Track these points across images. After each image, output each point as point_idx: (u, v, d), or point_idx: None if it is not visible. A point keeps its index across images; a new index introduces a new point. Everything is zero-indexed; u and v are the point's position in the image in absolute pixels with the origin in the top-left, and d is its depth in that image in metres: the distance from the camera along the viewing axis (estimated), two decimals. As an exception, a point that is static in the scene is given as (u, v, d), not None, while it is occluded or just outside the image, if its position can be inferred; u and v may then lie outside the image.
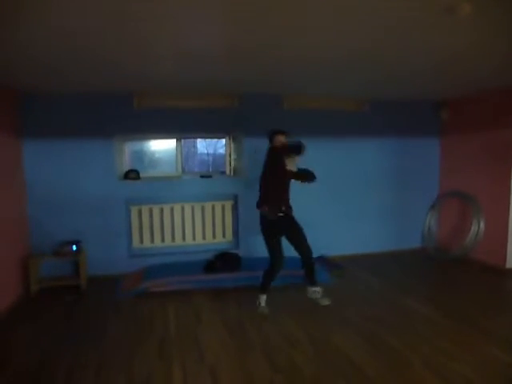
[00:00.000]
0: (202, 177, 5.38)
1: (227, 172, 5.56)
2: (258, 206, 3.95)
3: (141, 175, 5.24)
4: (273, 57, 3.39)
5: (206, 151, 9.48)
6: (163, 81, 4.24)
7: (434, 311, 3.91)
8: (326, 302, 4.04)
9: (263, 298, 3.99)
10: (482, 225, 5.36)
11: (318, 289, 4.09)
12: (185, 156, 5.97)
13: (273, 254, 3.88)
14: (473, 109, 5.57)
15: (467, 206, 5.64)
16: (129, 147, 5.48)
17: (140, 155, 5.85)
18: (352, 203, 5.90)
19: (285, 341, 3.36)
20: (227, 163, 5.57)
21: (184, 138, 5.48)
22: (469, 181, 5.65)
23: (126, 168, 5.27)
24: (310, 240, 5.59)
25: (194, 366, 2.99)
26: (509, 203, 5.02)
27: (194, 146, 9.27)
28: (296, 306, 4.07)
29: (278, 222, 3.88)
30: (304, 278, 4.16)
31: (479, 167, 5.47)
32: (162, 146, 5.79)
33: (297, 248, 3.99)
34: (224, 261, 4.92)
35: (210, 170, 6.65)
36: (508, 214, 5.03)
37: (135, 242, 5.22)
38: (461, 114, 5.80)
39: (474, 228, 5.42)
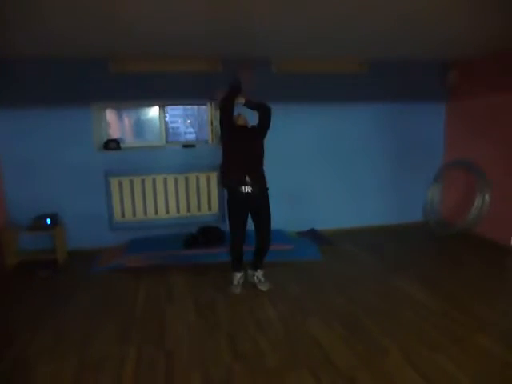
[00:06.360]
0: (184, 146, 5.04)
1: (209, 141, 5.23)
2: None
3: (123, 145, 4.97)
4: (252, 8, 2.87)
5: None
6: (140, 39, 3.78)
7: (425, 294, 3.56)
8: (266, 287, 3.71)
9: (236, 277, 3.74)
10: (487, 198, 4.93)
11: (262, 273, 3.78)
12: (198, 125, 5.58)
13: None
14: (483, 72, 5.02)
15: (473, 178, 5.20)
16: (129, 117, 5.38)
17: (138, 124, 5.62)
18: (348, 173, 5.53)
19: (254, 323, 3.11)
20: (209, 131, 5.22)
21: (166, 106, 5.13)
22: (476, 150, 5.16)
23: (107, 137, 5.00)
24: (302, 212, 5.38)
25: (152, 350, 2.78)
26: (518, 175, 4.57)
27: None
28: (275, 285, 3.78)
29: (248, 198, 3.45)
30: (254, 257, 3.77)
31: (488, 136, 4.97)
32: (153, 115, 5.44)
33: (257, 229, 3.59)
34: (206, 236, 4.67)
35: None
36: (517, 187, 4.59)
37: (116, 215, 4.98)
38: (470, 77, 5.24)
39: (478, 201, 5.00)
